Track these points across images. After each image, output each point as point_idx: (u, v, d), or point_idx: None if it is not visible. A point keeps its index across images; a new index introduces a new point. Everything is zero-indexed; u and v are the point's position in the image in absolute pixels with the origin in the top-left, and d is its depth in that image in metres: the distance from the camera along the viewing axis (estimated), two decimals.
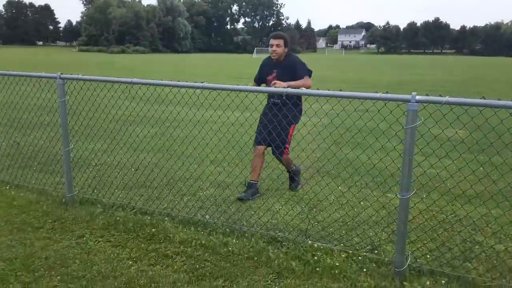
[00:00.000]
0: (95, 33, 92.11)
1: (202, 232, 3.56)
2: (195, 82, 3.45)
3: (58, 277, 2.86)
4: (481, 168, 4.93)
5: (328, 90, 3.09)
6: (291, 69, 4.29)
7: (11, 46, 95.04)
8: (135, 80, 3.68)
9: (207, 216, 3.84)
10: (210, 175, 5.01)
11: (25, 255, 3.13)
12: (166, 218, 3.81)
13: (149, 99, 4.82)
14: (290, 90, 3.33)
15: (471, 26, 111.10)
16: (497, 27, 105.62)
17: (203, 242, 3.37)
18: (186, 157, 5.30)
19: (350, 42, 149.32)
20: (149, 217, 3.81)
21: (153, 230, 3.57)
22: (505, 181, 4.47)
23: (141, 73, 25.39)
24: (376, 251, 3.27)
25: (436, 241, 3.42)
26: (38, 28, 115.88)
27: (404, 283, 2.82)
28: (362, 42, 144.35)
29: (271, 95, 4.41)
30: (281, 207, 4.16)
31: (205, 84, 3.38)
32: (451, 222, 3.77)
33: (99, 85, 4.01)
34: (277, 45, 4.33)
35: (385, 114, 3.57)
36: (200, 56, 69.70)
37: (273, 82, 4.12)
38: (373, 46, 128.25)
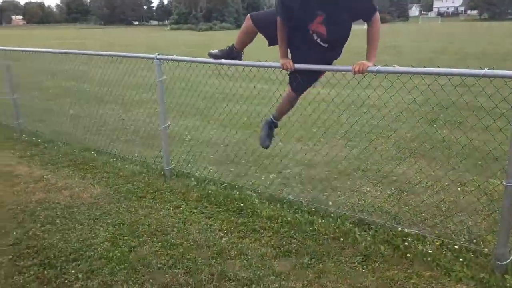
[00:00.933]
0: (184, 11, 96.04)
1: (288, 210, 3.63)
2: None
3: (159, 243, 3.16)
4: None
5: (425, 66, 2.88)
6: (347, 3, 2.83)
7: (111, 26, 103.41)
8: (223, 61, 3.79)
9: (290, 196, 3.89)
10: (296, 153, 5.04)
11: (131, 222, 3.50)
12: (253, 194, 3.95)
13: (236, 76, 4.93)
14: (382, 68, 3.07)
15: None
16: None
17: (289, 219, 3.45)
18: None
19: (447, 8, 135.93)
20: (237, 192, 3.98)
21: (242, 204, 3.73)
22: None
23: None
24: (474, 241, 3.05)
25: None
26: (134, 9, 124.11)
27: (506, 276, 2.61)
28: (462, 8, 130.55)
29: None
30: (369, 189, 4.06)
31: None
32: None
33: (192, 64, 4.21)
34: None
35: (490, 92, 3.23)
36: None
37: (356, 67, 2.93)
38: (474, 12, 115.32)
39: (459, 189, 3.90)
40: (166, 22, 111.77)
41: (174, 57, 4.28)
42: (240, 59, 3.75)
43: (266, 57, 3.95)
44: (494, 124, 3.94)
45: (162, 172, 4.51)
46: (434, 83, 3.18)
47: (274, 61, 3.51)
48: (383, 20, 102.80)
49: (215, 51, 3.73)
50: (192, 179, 4.33)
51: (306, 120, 5.14)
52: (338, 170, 4.51)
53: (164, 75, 4.35)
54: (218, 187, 4.13)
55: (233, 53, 3.70)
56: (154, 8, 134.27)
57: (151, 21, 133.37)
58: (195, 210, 3.70)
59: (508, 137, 2.66)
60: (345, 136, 4.99)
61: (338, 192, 3.99)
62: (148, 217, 3.57)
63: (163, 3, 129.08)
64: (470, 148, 4.53)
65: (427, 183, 4.04)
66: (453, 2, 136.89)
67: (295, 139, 5.44)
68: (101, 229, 3.39)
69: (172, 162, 4.66)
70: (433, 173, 4.20)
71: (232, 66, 3.96)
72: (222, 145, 5.33)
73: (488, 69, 2.64)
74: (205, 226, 3.42)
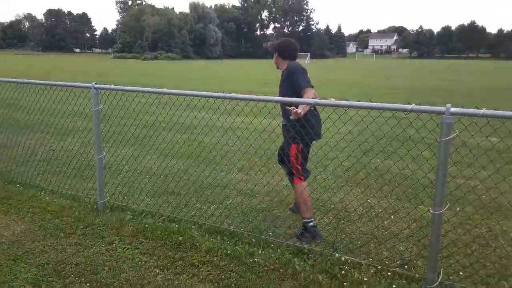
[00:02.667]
0: (129, 40, 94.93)
1: (228, 242, 3.56)
2: (224, 88, 3.47)
3: (88, 284, 2.93)
4: None
5: (358, 100, 3.03)
6: (289, 80, 3.71)
7: (50, 53, 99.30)
8: (165, 90, 3.75)
9: (231, 227, 3.84)
10: (237, 183, 5.02)
11: (56, 261, 3.23)
12: (193, 226, 3.84)
13: (180, 106, 4.89)
14: (319, 101, 3.22)
15: (509, 29, 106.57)
16: None
17: (229, 251, 3.37)
18: (214, 165, 5.33)
19: (381, 46, 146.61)
20: (176, 225, 3.85)
21: (180, 238, 3.60)
22: None
23: (174, 79, 25.90)
24: (406, 267, 3.17)
25: (470, 257, 3.27)
26: (75, 36, 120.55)
27: None
28: (394, 47, 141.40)
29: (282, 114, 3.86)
30: None
31: (233, 95, 3.40)
32: (486, 238, 3.60)
33: (131, 93, 4.11)
34: (275, 56, 3.98)
35: (418, 125, 3.46)
36: (230, 62, 70.45)
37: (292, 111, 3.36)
38: (405, 50, 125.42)
39: (391, 216, 4.07)
40: (110, 50, 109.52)
41: (112, 86, 4.15)
42: None
43: (210, 87, 3.96)
44: (422, 154, 4.22)
45: (95, 206, 4.26)
46: (368, 116, 3.35)
47: (218, 91, 3.52)
48: (324, 56, 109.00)
49: None
50: (128, 212, 4.13)
51: (248, 150, 5.18)
52: (279, 199, 4.54)
53: (101, 104, 4.20)
54: (155, 221, 3.97)
55: None
56: (97, 36, 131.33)
57: (93, 48, 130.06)
58: (129, 246, 3.50)
59: (434, 168, 2.83)
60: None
61: (279, 222, 3.99)
62: (77, 256, 3.32)
63: (107, 31, 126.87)
64: (400, 177, 4.79)
65: (362, 210, 4.17)
66: (386, 41, 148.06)
67: (237, 168, 5.43)
68: (23, 270, 3.09)
69: (107, 195, 4.44)
70: (368, 201, 4.36)
71: (173, 96, 3.90)
72: (161, 176, 5.18)
73: (415, 105, 2.82)
74: (140, 263, 3.24)
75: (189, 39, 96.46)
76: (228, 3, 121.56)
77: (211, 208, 4.34)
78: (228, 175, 5.24)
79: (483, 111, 2.56)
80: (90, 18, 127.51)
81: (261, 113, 3.95)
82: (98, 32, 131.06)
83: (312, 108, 3.59)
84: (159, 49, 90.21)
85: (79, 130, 7.13)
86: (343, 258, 3.23)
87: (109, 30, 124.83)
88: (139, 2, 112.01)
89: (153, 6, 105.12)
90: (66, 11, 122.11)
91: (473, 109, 2.63)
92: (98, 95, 4.13)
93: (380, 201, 4.23)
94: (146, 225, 3.82)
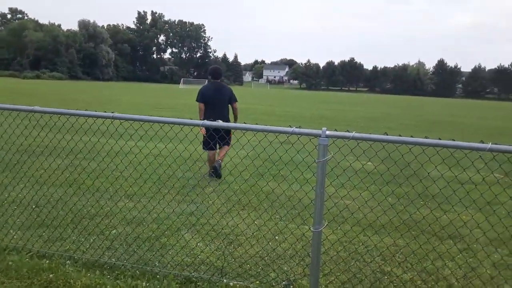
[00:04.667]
0: (7, 56, 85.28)
1: (109, 276, 3.26)
2: (113, 111, 3.26)
3: None
4: (386, 199, 5.24)
5: (245, 123, 3.10)
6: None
7: None
8: (36, 108, 3.37)
9: (113, 259, 3.54)
10: (120, 210, 4.69)
11: None
12: (67, 262, 3.44)
13: (54, 127, 4.45)
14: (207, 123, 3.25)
15: (382, 66, 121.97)
16: (404, 68, 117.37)
17: (108, 287, 3.08)
18: (94, 191, 4.93)
19: (274, 77, 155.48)
20: (47, 261, 3.41)
21: (51, 275, 3.19)
22: (408, 212, 4.79)
23: (59, 101, 23.85)
24: (291, 287, 3.24)
25: (348, 273, 3.49)
26: None
27: None
28: (286, 78, 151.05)
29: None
30: (197, 244, 4.00)
31: (116, 114, 3.21)
32: (361, 253, 3.89)
33: (4, 113, 3.61)
34: None
35: (299, 147, 3.66)
36: (124, 85, 67.74)
37: None
38: (295, 81, 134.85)
39: (276, 237, 4.18)
40: None
41: None
42: None
43: (98, 109, 3.67)
44: (303, 175, 4.46)
45: None
46: (254, 139, 3.43)
47: (105, 111, 3.27)
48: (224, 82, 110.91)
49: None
50: None
51: (141, 175, 4.91)
52: (167, 226, 4.35)
53: None
54: (22, 257, 3.47)
55: None
56: None
57: None
58: None
59: (313, 188, 2.98)
60: (173, 189, 4.92)
61: (166, 250, 3.81)
62: None
63: None
64: (284, 198, 4.99)
65: (250, 233, 4.21)
66: (278, 72, 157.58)
67: (122, 195, 5.10)
68: None
69: None
70: (255, 223, 4.43)
71: (53, 116, 3.52)
72: (33, 206, 4.60)
73: (296, 128, 2.97)
74: None
75: (78, 58, 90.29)
76: (123, 24, 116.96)
77: (90, 240, 3.96)
78: (109, 202, 4.88)
79: (353, 134, 2.81)
80: None
81: (156, 136, 3.81)
82: None
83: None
84: (43, 67, 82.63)
85: None
86: (231, 283, 3.19)
87: None
88: (20, 16, 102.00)
89: (37, 21, 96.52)
90: None
91: (345, 132, 2.87)
92: None
93: (266, 222, 4.32)
94: (10, 263, 3.33)
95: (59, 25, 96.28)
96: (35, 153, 6.08)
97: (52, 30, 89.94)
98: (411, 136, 2.82)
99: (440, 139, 2.79)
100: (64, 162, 4.52)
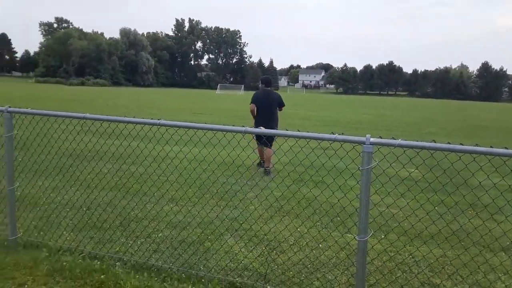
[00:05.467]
0: (53, 64, 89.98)
1: (156, 278, 3.35)
2: (157, 116, 3.37)
3: None
4: (435, 208, 5.07)
5: (287, 129, 3.11)
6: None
7: None
8: (88, 115, 3.54)
9: (159, 262, 3.64)
10: (166, 214, 4.82)
11: None
12: (117, 263, 3.57)
13: (103, 133, 4.64)
14: (249, 129, 3.28)
15: (422, 70, 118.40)
16: (446, 71, 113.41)
17: None
18: (142, 195, 5.10)
19: (310, 81, 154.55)
20: (99, 262, 3.56)
21: (102, 276, 3.32)
22: (458, 223, 4.60)
23: (104, 106, 24.85)
24: None
25: (394, 284, 3.41)
26: None
27: None
28: (322, 82, 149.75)
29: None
30: (240, 249, 4.03)
31: (162, 121, 3.32)
32: (408, 264, 3.79)
33: (50, 118, 3.82)
34: None
35: (342, 154, 3.62)
36: (163, 90, 69.58)
37: None
38: (332, 86, 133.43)
39: (320, 245, 4.14)
40: (31, 74, 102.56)
41: (28, 110, 3.83)
42: None
43: (142, 115, 3.81)
44: (346, 182, 4.40)
45: (5, 243, 3.82)
46: (296, 145, 3.44)
47: (151, 118, 3.39)
48: (257, 88, 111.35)
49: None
50: (44, 249, 3.75)
51: (177, 180, 5.04)
52: (211, 231, 4.43)
53: (15, 130, 3.85)
54: (75, 258, 3.64)
55: None
56: (18, 59, 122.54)
57: (12, 72, 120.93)
58: (43, 287, 3.16)
59: (357, 196, 2.94)
60: (217, 194, 4.99)
61: (210, 255, 3.87)
62: None
63: (29, 53, 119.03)
64: (328, 205, 4.94)
65: (293, 240, 4.20)
66: (314, 76, 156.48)
67: (166, 199, 5.24)
68: None
69: (20, 230, 4.01)
70: (298, 230, 4.41)
71: (103, 122, 3.69)
72: (84, 209, 4.82)
73: (339, 135, 2.95)
74: None
75: (119, 65, 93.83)
76: (161, 32, 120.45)
77: (138, 242, 4.09)
78: (155, 206, 5.02)
79: (399, 141, 2.75)
80: (10, 40, 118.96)
81: (188, 143, 3.89)
82: (18, 55, 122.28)
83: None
84: (87, 74, 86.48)
85: None
86: None
87: (31, 53, 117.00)
88: (65, 25, 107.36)
89: (81, 29, 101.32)
90: None
91: (390, 139, 2.82)
92: (11, 119, 3.79)
93: (309, 230, 4.29)
94: (64, 263, 3.49)
95: (102, 34, 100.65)
96: (87, 158, 6.37)
97: (96, 38, 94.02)
98: (461, 144, 2.72)
99: (492, 147, 2.68)
100: (113, 167, 4.70)
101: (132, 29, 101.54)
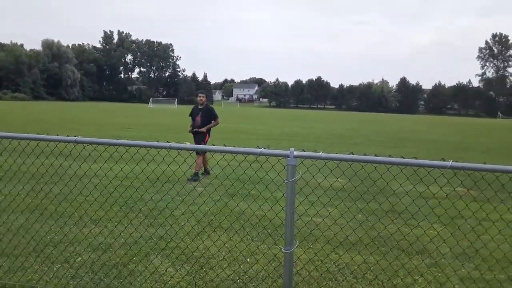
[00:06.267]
0: None
1: None
2: (82, 133, 3.16)
3: None
4: (354, 217, 5.32)
5: (213, 144, 3.08)
6: (210, 112, 8.40)
7: None
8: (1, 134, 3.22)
9: None
10: (85, 237, 4.51)
11: None
12: None
13: (22, 152, 4.27)
14: (174, 145, 3.22)
15: (348, 84, 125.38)
16: (369, 86, 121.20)
17: None
18: (58, 217, 4.74)
19: (244, 95, 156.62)
20: None
21: None
22: (376, 230, 4.87)
23: (21, 122, 22.99)
24: None
25: None
26: None
27: None
28: (255, 96, 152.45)
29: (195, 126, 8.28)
30: (166, 269, 3.89)
31: (79, 138, 3.12)
32: (333, 273, 3.90)
33: None
34: (203, 97, 8.51)
35: (268, 168, 3.67)
36: (90, 104, 66.29)
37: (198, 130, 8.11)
38: (265, 100, 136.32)
39: (247, 259, 4.13)
40: None
41: None
42: None
43: (66, 132, 3.55)
44: (272, 195, 4.47)
45: None
46: (222, 160, 3.41)
47: (67, 135, 3.17)
48: (191, 102, 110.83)
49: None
50: None
51: (106, 200, 4.75)
52: (135, 252, 4.22)
53: None
54: None
55: None
56: None
57: None
58: None
59: (283, 208, 2.98)
60: (141, 212, 4.79)
61: (135, 277, 3.68)
62: None
63: None
64: (255, 218, 4.96)
65: (222, 256, 4.14)
66: (248, 90, 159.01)
67: (92, 221, 4.92)
68: None
69: None
70: (226, 245, 4.37)
71: (13, 140, 3.38)
72: None
73: (264, 148, 2.98)
74: None
75: (41, 78, 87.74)
76: (88, 44, 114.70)
77: (54, 268, 3.78)
78: (73, 228, 4.69)
79: (320, 154, 2.86)
80: None
81: (122, 159, 3.70)
82: None
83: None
84: (4, 88, 79.74)
85: None
86: None
87: None
88: None
89: None
90: None
91: (312, 152, 2.91)
92: None
93: (237, 244, 4.27)
94: None
95: (21, 45, 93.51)
96: None
97: (14, 50, 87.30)
98: (376, 155, 2.90)
99: (403, 157, 2.88)
100: (25, 188, 4.31)
101: (56, 40, 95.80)
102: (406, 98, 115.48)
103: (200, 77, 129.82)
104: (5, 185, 4.94)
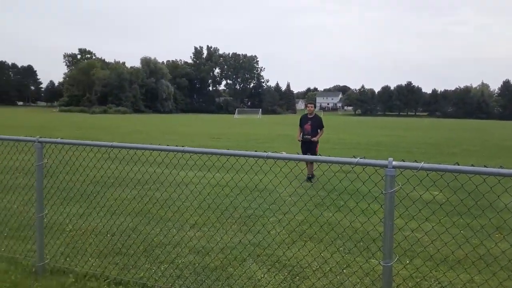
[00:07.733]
0: (77, 93, 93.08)
1: None
2: (176, 142, 3.47)
3: None
4: (461, 232, 4.95)
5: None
6: (319, 121, 9.40)
7: None
8: (115, 144, 3.67)
9: None
10: (189, 240, 4.86)
11: None
12: None
13: (130, 160, 4.78)
14: (271, 155, 3.34)
15: (442, 90, 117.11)
16: (466, 90, 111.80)
17: None
18: (165, 221, 5.16)
19: (328, 104, 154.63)
20: None
21: None
22: (485, 247, 4.48)
23: (123, 133, 25.40)
24: None
25: None
26: (19, 89, 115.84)
27: None
28: (339, 104, 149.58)
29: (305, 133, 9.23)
30: (263, 275, 4.02)
31: (186, 148, 3.40)
32: None
33: (78, 147, 3.97)
34: (312, 106, 9.66)
35: (364, 178, 3.61)
36: (182, 116, 70.74)
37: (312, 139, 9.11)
38: (350, 108, 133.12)
39: (344, 270, 4.08)
40: (56, 103, 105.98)
41: (58, 140, 4.00)
42: None
43: (161, 141, 3.92)
44: (370, 207, 4.37)
45: (34, 269, 3.92)
46: (317, 169, 3.46)
47: (174, 144, 3.50)
48: (275, 112, 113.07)
49: None
50: (70, 275, 3.83)
51: (201, 205, 5.08)
52: (233, 256, 4.43)
53: (45, 159, 4.01)
54: (100, 284, 3.70)
55: None
56: (43, 89, 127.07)
57: (37, 101, 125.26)
58: None
59: (381, 220, 2.92)
60: (239, 219, 5.00)
61: (233, 281, 3.87)
62: None
63: (53, 84, 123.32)
64: (351, 230, 4.88)
65: (316, 265, 4.15)
66: (332, 99, 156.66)
67: (189, 225, 5.29)
68: None
69: (47, 257, 4.11)
70: (321, 255, 4.37)
71: (123, 149, 3.82)
72: (108, 235, 4.91)
73: (360, 158, 2.96)
74: None
75: (140, 93, 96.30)
76: (180, 60, 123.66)
77: (161, 268, 4.13)
78: (178, 232, 5.07)
79: (422, 164, 2.74)
80: (35, 71, 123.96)
81: (211, 169, 3.95)
82: (44, 85, 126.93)
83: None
84: (109, 102, 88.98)
85: (19, 186, 6.68)
86: None
87: (56, 83, 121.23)
88: (88, 56, 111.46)
89: (103, 60, 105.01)
90: (10, 63, 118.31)
91: (413, 163, 2.80)
92: (42, 149, 3.95)
93: (332, 255, 4.25)
94: None
95: (123, 63, 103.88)
96: (108, 184, 6.52)
97: (117, 68, 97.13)
98: (485, 166, 2.70)
99: None
100: (137, 193, 4.81)
101: (153, 57, 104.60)
102: (510, 102, 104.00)
103: (283, 87, 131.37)
104: (118, 190, 5.53)
